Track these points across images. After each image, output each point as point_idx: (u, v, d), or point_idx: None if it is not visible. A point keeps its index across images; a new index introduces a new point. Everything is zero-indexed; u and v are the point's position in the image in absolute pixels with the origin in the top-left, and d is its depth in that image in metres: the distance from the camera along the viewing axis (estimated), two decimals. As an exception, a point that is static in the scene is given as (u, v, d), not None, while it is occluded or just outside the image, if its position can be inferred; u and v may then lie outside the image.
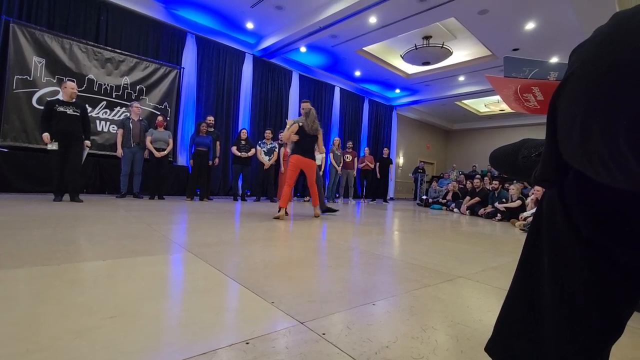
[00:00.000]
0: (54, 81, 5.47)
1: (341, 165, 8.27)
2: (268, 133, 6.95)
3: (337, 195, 8.81)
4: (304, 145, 4.13)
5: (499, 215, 6.14)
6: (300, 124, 4.08)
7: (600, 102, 0.29)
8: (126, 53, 6.25)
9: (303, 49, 8.32)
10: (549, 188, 0.49)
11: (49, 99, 4.74)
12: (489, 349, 0.59)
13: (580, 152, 0.33)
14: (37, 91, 5.34)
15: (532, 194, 5.75)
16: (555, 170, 0.44)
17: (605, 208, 0.40)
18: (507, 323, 0.57)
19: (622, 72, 0.27)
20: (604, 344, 0.45)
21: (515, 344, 0.54)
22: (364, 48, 8.33)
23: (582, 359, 0.45)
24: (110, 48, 6.08)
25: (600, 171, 0.32)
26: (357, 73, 10.05)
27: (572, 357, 0.45)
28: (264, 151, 6.84)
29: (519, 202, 5.97)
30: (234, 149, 6.61)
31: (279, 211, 3.89)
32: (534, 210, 5.26)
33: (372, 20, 6.65)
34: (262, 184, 7.00)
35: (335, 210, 4.74)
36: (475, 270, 2.01)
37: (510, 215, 5.88)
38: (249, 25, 7.34)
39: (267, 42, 7.71)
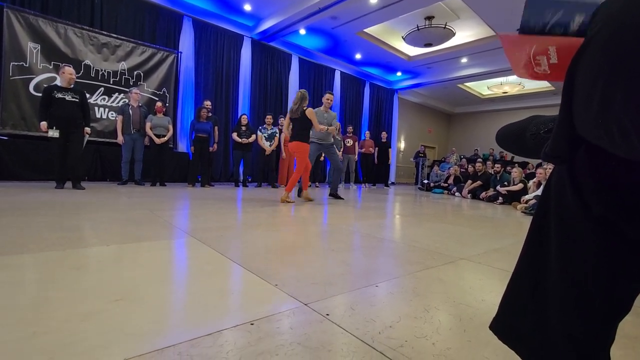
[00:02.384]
0: (50, 67, 5.38)
1: (342, 150, 8.21)
2: (269, 118, 6.88)
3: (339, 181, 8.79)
4: (294, 130, 4.30)
5: (500, 198, 6.13)
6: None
7: (626, 64, 0.27)
8: (122, 37, 6.12)
9: (302, 32, 8.13)
10: (560, 164, 0.48)
11: (45, 85, 4.68)
12: (493, 327, 0.59)
13: (598, 121, 0.32)
14: (33, 78, 5.26)
15: (536, 176, 5.74)
16: (567, 145, 0.43)
17: (617, 184, 0.39)
18: (512, 302, 0.57)
19: None
20: (612, 322, 0.45)
21: (520, 323, 0.54)
22: (364, 30, 8.13)
23: (589, 337, 0.45)
24: (105, 32, 5.95)
25: (618, 141, 0.31)
26: (358, 56, 9.85)
27: (579, 336, 0.45)
28: (264, 137, 6.80)
29: (520, 185, 5.96)
30: (234, 135, 6.56)
31: (299, 194, 4.48)
32: (536, 193, 5.26)
33: (373, 0, 6.47)
34: (263, 170, 6.99)
35: (341, 198, 4.86)
36: (477, 252, 2.02)
37: (512, 198, 5.87)
38: (247, 7, 7.15)
39: (266, 25, 7.53)
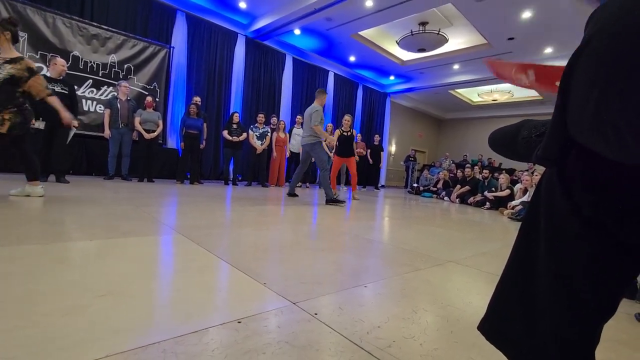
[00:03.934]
0: (37, 57, 5.23)
1: (333, 151, 8.22)
2: (260, 117, 6.84)
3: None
4: (349, 145, 5.68)
5: (488, 203, 6.23)
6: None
7: (622, 67, 0.28)
8: (113, 30, 6.00)
9: (297, 32, 8.12)
10: (551, 167, 0.48)
11: (32, 75, 4.55)
12: (482, 328, 0.59)
13: (593, 123, 0.32)
14: (19, 67, 5.11)
15: (522, 183, 5.84)
16: (559, 148, 0.43)
17: (607, 186, 0.40)
18: (500, 304, 0.57)
19: None
20: (598, 324, 0.46)
21: (509, 324, 0.54)
22: (359, 32, 8.17)
23: (576, 338, 0.46)
24: (96, 24, 5.83)
25: (612, 144, 0.31)
26: (352, 58, 9.89)
27: (570, 337, 0.45)
28: (256, 135, 6.75)
29: (507, 191, 6.07)
30: (225, 133, 6.50)
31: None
32: (522, 199, 5.37)
33: (369, 3, 6.50)
34: (253, 169, 6.94)
35: (342, 202, 4.45)
36: (465, 255, 2.04)
37: (499, 203, 5.98)
38: (242, 5, 7.10)
39: (261, 23, 7.50)
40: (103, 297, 0.99)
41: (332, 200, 4.38)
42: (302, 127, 7.80)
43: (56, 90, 4.08)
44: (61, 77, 4.20)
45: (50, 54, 4.99)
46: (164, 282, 1.21)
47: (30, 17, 5.17)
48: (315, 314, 1.02)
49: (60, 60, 4.20)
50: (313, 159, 4.97)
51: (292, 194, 4.87)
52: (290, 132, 7.65)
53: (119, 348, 0.74)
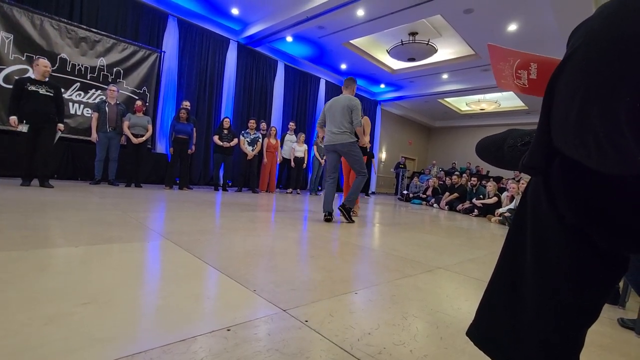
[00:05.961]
0: (23, 59, 5.13)
1: (324, 157, 8.24)
2: (252, 123, 6.82)
3: (320, 188, 8.81)
4: None
5: (476, 210, 6.32)
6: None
7: (602, 78, 0.29)
8: (103, 33, 5.93)
9: (289, 39, 8.18)
10: (536, 175, 0.50)
11: (17, 77, 4.46)
12: (470, 333, 0.60)
13: (575, 133, 0.33)
14: (3, 69, 4.99)
15: (509, 190, 5.95)
16: (544, 157, 0.44)
17: (589, 195, 0.41)
18: (488, 308, 0.58)
19: (627, 47, 0.26)
20: (582, 328, 0.47)
21: (496, 329, 0.55)
22: (350, 41, 8.28)
23: (561, 342, 0.46)
24: (85, 27, 5.76)
25: (592, 153, 0.33)
26: (343, 66, 10.00)
27: (554, 342, 0.46)
28: (247, 141, 6.73)
29: (495, 199, 6.17)
30: (215, 138, 6.45)
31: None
32: (509, 207, 5.46)
33: (360, 13, 6.61)
34: (244, 175, 6.90)
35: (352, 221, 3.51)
36: (454, 261, 2.06)
37: (487, 211, 6.07)
38: (234, 11, 7.13)
39: (253, 30, 7.53)
40: (87, 305, 0.96)
41: (347, 211, 3.45)
42: (294, 134, 7.86)
43: (40, 92, 4.00)
44: (46, 79, 4.12)
45: (36, 56, 4.90)
46: (151, 289, 1.19)
47: (17, 18, 5.07)
48: (306, 320, 1.01)
49: (42, 61, 4.12)
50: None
51: (330, 215, 3.44)
52: (282, 138, 7.65)
53: (103, 358, 0.72)
